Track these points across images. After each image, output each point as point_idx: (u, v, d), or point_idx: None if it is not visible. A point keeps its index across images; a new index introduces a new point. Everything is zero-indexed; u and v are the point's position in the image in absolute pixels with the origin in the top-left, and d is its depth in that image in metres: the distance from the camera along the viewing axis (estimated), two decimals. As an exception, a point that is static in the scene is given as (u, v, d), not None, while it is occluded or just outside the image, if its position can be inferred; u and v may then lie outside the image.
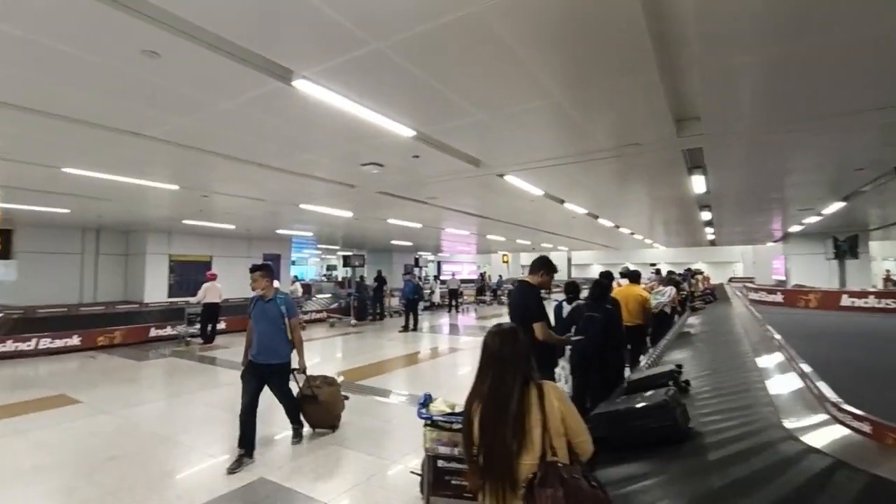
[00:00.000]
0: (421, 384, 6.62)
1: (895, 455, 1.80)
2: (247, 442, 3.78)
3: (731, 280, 24.36)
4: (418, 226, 13.01)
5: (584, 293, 5.30)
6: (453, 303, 18.19)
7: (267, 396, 4.03)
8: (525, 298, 3.46)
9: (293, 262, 21.67)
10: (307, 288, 20.91)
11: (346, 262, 15.35)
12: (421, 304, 14.56)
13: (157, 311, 12.04)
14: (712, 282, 16.51)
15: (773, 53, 3.01)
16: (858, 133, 4.75)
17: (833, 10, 2.50)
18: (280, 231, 14.15)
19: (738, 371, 3.86)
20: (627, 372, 4.50)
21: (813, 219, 11.61)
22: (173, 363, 8.36)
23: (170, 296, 13.53)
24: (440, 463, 2.63)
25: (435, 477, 2.63)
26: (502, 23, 2.63)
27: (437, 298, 19.13)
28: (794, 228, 14.07)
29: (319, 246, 24.06)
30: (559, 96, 3.73)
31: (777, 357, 3.91)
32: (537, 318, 3.32)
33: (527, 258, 30.15)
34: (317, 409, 4.34)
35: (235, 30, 2.74)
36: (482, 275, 25.91)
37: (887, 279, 21.34)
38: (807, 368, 3.04)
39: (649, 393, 2.73)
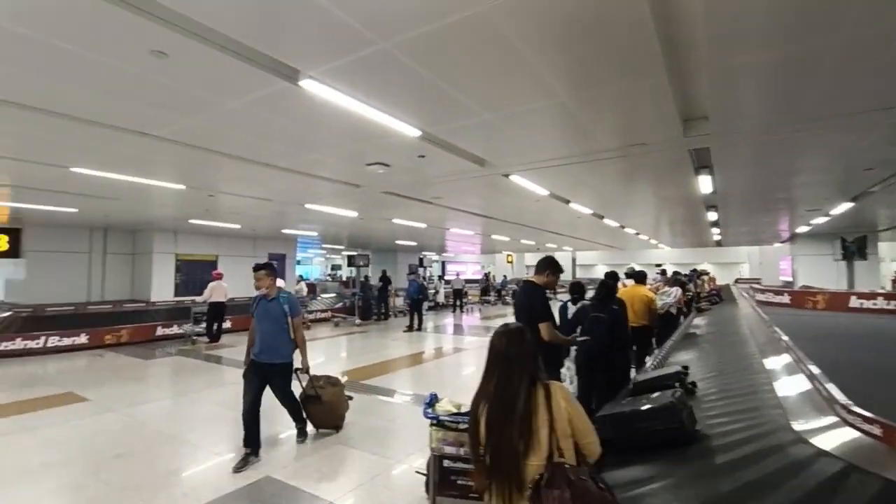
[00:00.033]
0: (425, 384, 6.62)
1: (907, 458, 1.78)
2: (251, 441, 3.79)
3: (737, 281, 24.19)
4: (423, 226, 13.01)
5: (589, 294, 5.29)
6: (457, 303, 18.19)
7: (271, 395, 4.05)
8: (530, 298, 3.45)
9: (298, 262, 21.73)
10: (312, 287, 20.97)
11: (351, 261, 15.37)
12: (425, 304, 14.57)
13: (163, 310, 12.13)
14: (718, 283, 16.40)
15: (780, 53, 2.99)
16: (867, 133, 4.70)
17: (840, 9, 2.48)
18: (285, 231, 14.20)
19: (746, 373, 3.83)
20: (633, 373, 4.48)
21: (821, 219, 11.50)
22: (179, 362, 8.41)
23: (176, 295, 13.61)
24: (446, 463, 2.63)
25: (441, 477, 2.63)
26: (508, 23, 2.63)
27: (441, 298, 19.13)
28: (802, 229, 13.95)
29: (324, 246, 24.12)
30: (565, 96, 3.72)
31: (785, 358, 3.88)
32: (543, 319, 3.32)
33: (531, 258, 30.08)
34: (320, 410, 4.34)
35: (243, 30, 2.75)
36: (486, 275, 25.88)
37: (896, 280, 21.10)
38: (815, 370, 3.01)
39: (655, 394, 2.71)
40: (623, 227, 14.08)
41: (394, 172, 6.35)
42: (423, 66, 3.18)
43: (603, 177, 6.93)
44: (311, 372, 4.28)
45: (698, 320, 8.62)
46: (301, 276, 22.81)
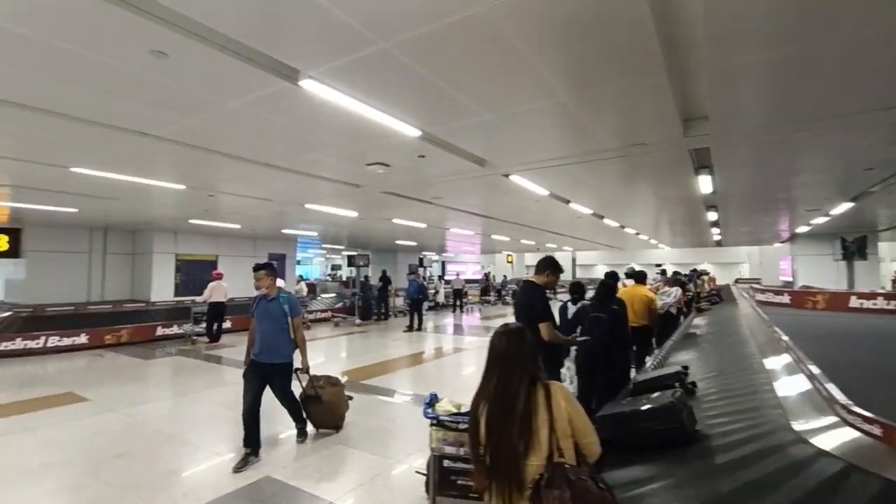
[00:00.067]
0: (425, 384, 6.62)
1: (907, 458, 1.77)
2: (251, 441, 3.79)
3: (737, 281, 24.18)
4: (423, 226, 13.01)
5: (589, 294, 5.29)
6: (457, 303, 18.19)
7: (271, 395, 4.05)
8: (531, 298, 3.45)
9: (298, 262, 21.74)
10: (312, 287, 20.98)
11: (351, 261, 15.37)
12: (425, 304, 14.57)
13: (163, 310, 12.13)
14: (718, 283, 16.40)
15: (780, 53, 2.99)
16: (867, 133, 4.70)
17: (840, 8, 2.48)
18: (285, 231, 14.20)
19: (746, 373, 3.83)
20: (633, 373, 4.48)
21: (821, 219, 11.51)
22: (179, 362, 8.41)
23: (176, 295, 13.62)
24: (446, 463, 2.63)
25: (441, 477, 2.63)
26: (508, 23, 2.63)
27: (441, 298, 19.13)
28: (802, 229, 13.95)
29: (324, 246, 24.12)
30: (565, 96, 3.72)
31: (785, 358, 3.88)
32: (543, 319, 3.32)
33: (531, 258, 30.08)
34: (320, 410, 4.33)
35: (243, 30, 2.75)
36: (486, 275, 25.88)
37: (896, 281, 21.10)
38: (815, 370, 3.01)
39: (655, 394, 2.71)
40: (623, 227, 14.09)
41: (394, 172, 6.35)
42: (423, 66, 3.18)
43: (603, 177, 6.93)
44: (312, 372, 4.27)
45: (698, 320, 8.62)
46: (301, 276, 22.81)
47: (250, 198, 8.32)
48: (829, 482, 1.69)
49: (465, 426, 2.41)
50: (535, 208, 10.05)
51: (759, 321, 7.15)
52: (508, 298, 22.02)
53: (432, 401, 2.75)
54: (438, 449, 2.62)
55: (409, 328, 12.17)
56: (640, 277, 6.09)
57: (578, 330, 4.22)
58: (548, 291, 3.57)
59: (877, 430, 1.95)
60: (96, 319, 10.48)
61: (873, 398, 2.49)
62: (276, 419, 4.40)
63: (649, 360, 4.88)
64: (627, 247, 25.63)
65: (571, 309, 4.93)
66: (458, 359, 8.85)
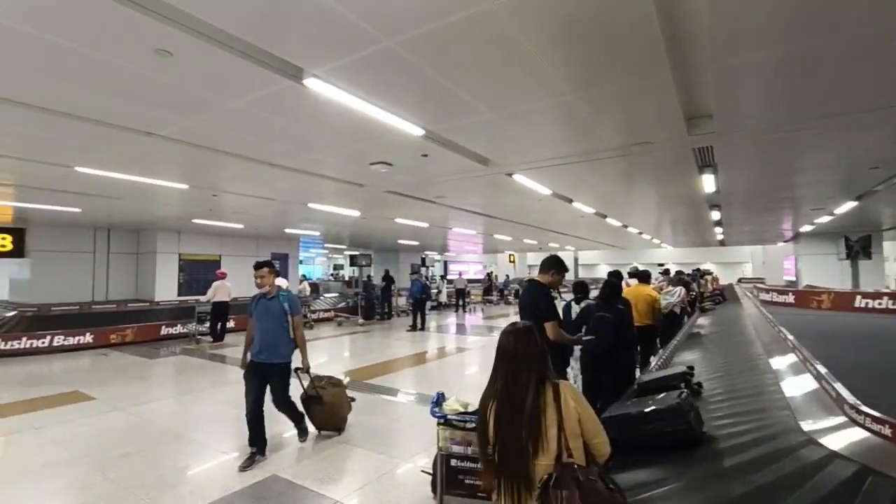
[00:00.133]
0: (429, 383, 6.62)
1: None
2: (257, 440, 3.80)
3: (740, 280, 24.11)
4: (425, 225, 13.01)
5: (592, 293, 5.27)
6: (460, 302, 18.19)
7: (275, 393, 4.04)
8: (535, 298, 3.43)
9: (301, 262, 21.77)
10: (315, 287, 21.01)
11: (353, 261, 15.38)
12: (428, 304, 14.57)
13: (167, 309, 12.18)
14: (721, 282, 16.35)
15: (782, 52, 2.98)
16: (872, 131, 4.67)
17: (844, 6, 2.47)
18: (288, 230, 14.22)
19: (752, 373, 3.81)
20: (638, 373, 4.47)
21: (824, 218, 11.46)
22: (184, 361, 8.44)
23: (179, 294, 13.66)
24: (453, 462, 2.62)
25: (448, 476, 2.63)
26: (512, 21, 2.62)
27: (444, 298, 19.13)
28: (805, 228, 13.89)
29: (326, 245, 24.14)
30: (569, 95, 3.71)
31: (791, 358, 3.85)
32: (548, 318, 3.30)
33: (533, 258, 30.07)
34: (322, 411, 4.29)
35: (247, 28, 2.75)
36: (489, 274, 25.86)
37: (901, 280, 20.99)
38: (822, 370, 2.99)
39: (661, 395, 2.68)
40: (626, 226, 14.06)
41: (397, 172, 6.35)
42: (427, 65, 3.17)
43: (606, 176, 6.91)
44: (314, 372, 4.26)
45: (702, 320, 8.59)
46: (304, 276, 22.83)
47: (253, 197, 8.33)
48: (844, 486, 1.65)
49: (473, 425, 2.41)
50: (537, 207, 10.04)
51: (764, 321, 7.12)
52: (511, 298, 22.00)
53: (439, 400, 2.74)
54: (446, 448, 2.62)
55: (413, 328, 12.17)
56: (643, 277, 6.07)
57: (584, 329, 4.21)
58: (552, 291, 3.55)
59: (887, 431, 1.94)
60: (101, 319, 10.53)
61: (880, 399, 2.47)
62: (280, 419, 4.39)
63: (654, 360, 4.86)
64: (630, 246, 25.57)
65: (575, 309, 4.92)
66: (461, 358, 8.84)
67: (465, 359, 8.78)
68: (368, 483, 3.41)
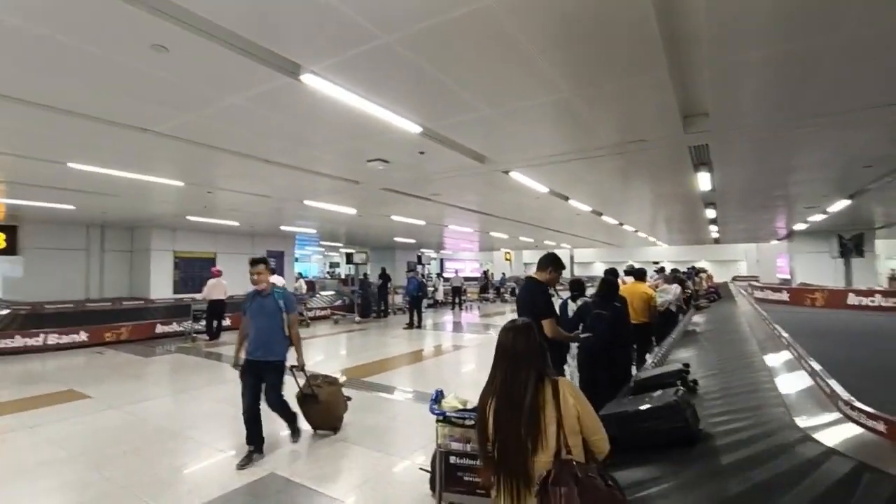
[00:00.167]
0: (426, 381, 6.63)
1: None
2: (254, 439, 3.79)
3: (735, 278, 24.26)
4: (422, 223, 13.00)
5: (589, 291, 5.29)
6: (457, 300, 18.21)
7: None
8: (533, 296, 3.45)
9: (296, 259, 21.69)
10: (311, 285, 20.94)
11: (349, 259, 15.34)
12: (425, 302, 14.58)
13: (162, 307, 12.10)
14: (716, 280, 16.44)
15: (781, 51, 2.99)
16: (866, 129, 4.71)
17: (841, 6, 2.49)
18: (284, 228, 14.16)
19: (747, 370, 3.84)
20: (635, 370, 4.49)
21: (818, 217, 11.54)
22: (179, 359, 8.40)
23: (175, 292, 13.57)
24: (452, 459, 2.63)
25: (447, 473, 2.63)
26: (511, 18, 2.62)
27: (440, 296, 19.14)
28: (799, 226, 14.00)
29: (322, 243, 24.07)
30: (567, 92, 3.71)
31: (785, 355, 3.89)
32: (545, 315, 3.31)
33: (529, 256, 30.12)
34: (317, 410, 4.27)
35: (245, 24, 2.73)
36: (485, 273, 25.90)
37: (893, 278, 21.23)
38: (816, 367, 3.01)
39: (658, 393, 2.69)
40: (621, 224, 14.10)
41: (393, 169, 6.33)
42: (425, 61, 3.16)
43: (602, 173, 6.93)
44: (310, 370, 4.24)
45: (697, 318, 8.64)
46: (300, 274, 22.76)
47: (249, 194, 8.29)
48: (841, 482, 1.65)
49: (472, 422, 2.42)
50: (534, 205, 10.05)
51: (759, 318, 7.17)
52: (507, 296, 22.05)
53: (438, 397, 2.75)
54: (445, 445, 2.62)
55: (409, 325, 12.18)
56: (639, 275, 6.10)
57: (581, 327, 4.23)
58: (549, 288, 3.56)
59: (881, 427, 1.96)
60: (96, 317, 10.46)
61: (873, 395, 2.49)
62: (277, 417, 4.38)
63: (649, 358, 4.89)
64: (625, 244, 25.66)
65: (571, 306, 4.94)
66: (457, 356, 8.86)
67: (461, 356, 8.80)
68: (367, 481, 3.41)
